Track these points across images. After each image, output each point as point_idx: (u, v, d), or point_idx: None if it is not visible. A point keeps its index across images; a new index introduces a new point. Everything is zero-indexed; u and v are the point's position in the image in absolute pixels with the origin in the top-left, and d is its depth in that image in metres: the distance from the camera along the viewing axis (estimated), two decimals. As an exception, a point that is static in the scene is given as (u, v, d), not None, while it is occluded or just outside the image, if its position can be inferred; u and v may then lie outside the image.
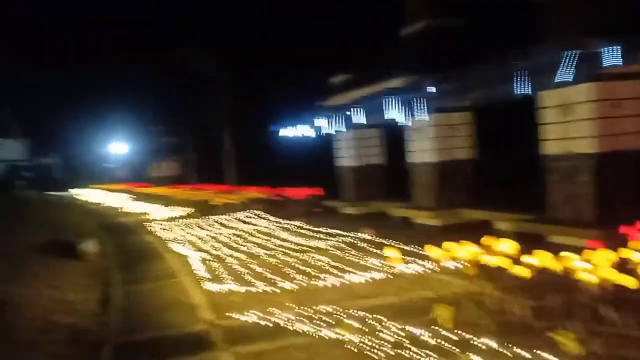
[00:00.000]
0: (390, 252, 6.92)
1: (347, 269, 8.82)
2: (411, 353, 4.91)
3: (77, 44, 34.06)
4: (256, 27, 23.45)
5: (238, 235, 14.05)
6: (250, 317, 6.38)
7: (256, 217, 18.09)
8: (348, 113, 17.81)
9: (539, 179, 11.67)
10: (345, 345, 5.34)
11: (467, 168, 14.08)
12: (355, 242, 11.60)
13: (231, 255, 10.96)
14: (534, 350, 4.65)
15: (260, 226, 15.74)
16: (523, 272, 5.62)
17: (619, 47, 8.49)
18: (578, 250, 8.24)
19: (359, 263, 9.32)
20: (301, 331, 5.86)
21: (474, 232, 12.35)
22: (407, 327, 5.45)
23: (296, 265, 9.47)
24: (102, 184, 48.34)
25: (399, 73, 13.56)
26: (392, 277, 8.09)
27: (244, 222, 17.10)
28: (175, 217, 20.09)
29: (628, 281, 4.99)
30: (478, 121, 14.00)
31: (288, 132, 21.67)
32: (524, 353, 4.66)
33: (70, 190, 46.33)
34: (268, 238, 13.18)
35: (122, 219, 22.08)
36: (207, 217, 18.49)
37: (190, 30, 23.36)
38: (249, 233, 14.44)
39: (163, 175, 41.84)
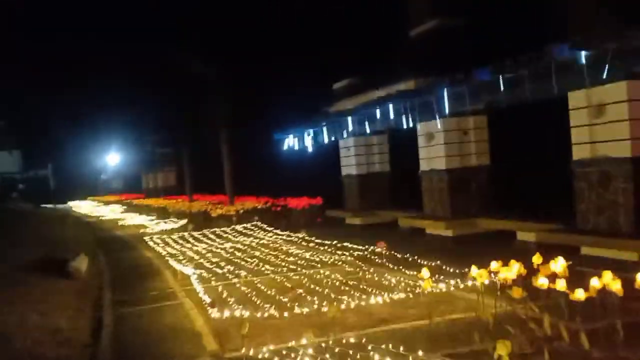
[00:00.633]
0: (424, 272, 6.11)
1: (364, 287, 8.02)
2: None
3: (71, 54, 33.30)
4: (256, 30, 22.70)
5: (239, 250, 13.25)
6: (263, 350, 5.55)
7: (256, 228, 17.32)
8: (352, 119, 17.14)
9: (562, 186, 10.99)
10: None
11: (481, 175, 13.33)
12: (366, 255, 10.80)
13: (234, 272, 10.15)
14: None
15: (262, 239, 14.95)
16: (579, 294, 4.84)
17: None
18: (618, 264, 7.46)
19: (376, 280, 8.53)
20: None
21: (493, 243, 11.68)
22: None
23: (306, 284, 8.67)
24: (97, 196, 47.57)
25: (409, 75, 12.82)
26: (417, 296, 7.30)
27: (244, 234, 16.31)
28: (172, 230, 19.33)
29: None
30: (493, 125, 13.27)
31: (289, 139, 20.99)
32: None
33: (65, 202, 45.59)
34: (271, 252, 12.38)
35: (117, 232, 21.32)
36: (205, 229, 17.69)
37: (187, 34, 22.58)
38: (250, 246, 13.65)
39: (158, 186, 41.10)
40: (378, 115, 15.47)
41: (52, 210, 36.31)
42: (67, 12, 34.84)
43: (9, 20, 32.14)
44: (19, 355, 6.35)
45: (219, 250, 13.34)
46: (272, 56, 23.80)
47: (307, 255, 11.52)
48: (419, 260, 9.51)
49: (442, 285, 7.55)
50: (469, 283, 7.39)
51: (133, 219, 26.19)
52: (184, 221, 21.00)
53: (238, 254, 12.57)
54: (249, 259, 11.63)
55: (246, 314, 6.94)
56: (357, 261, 10.25)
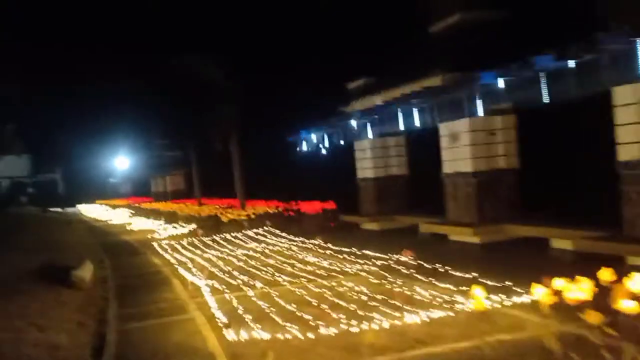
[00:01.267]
0: (478, 291, 5.33)
1: (393, 302, 7.24)
2: None
3: (78, 58, 32.86)
4: (268, 30, 22.10)
5: (251, 257, 12.52)
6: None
7: (268, 234, 16.59)
8: (369, 119, 16.43)
9: (599, 189, 10.20)
10: None
11: (510, 178, 12.52)
12: (390, 264, 10.01)
13: (248, 283, 9.42)
14: None
15: (275, 245, 14.21)
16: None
17: None
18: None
19: (406, 294, 7.74)
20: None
21: (526, 251, 10.89)
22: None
23: (329, 298, 7.91)
24: (105, 200, 47.18)
25: (435, 71, 12.03)
26: (457, 314, 6.53)
27: (256, 240, 15.58)
28: (181, 235, 18.66)
29: None
30: (523, 125, 12.45)
31: (301, 142, 20.31)
32: None
33: (74, 206, 45.27)
34: (286, 260, 11.64)
35: (125, 237, 20.73)
36: (215, 234, 16.99)
37: (197, 36, 22.03)
38: (263, 254, 12.92)
39: (167, 190, 40.59)
40: (396, 115, 14.74)
41: (59, 215, 35.90)
42: (78, 19, 34.47)
43: (21, 25, 31.87)
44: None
45: (230, 258, 12.63)
46: (285, 56, 23.16)
47: (326, 264, 10.76)
48: (449, 271, 8.74)
49: (487, 303, 6.76)
50: (519, 300, 6.62)
51: (141, 223, 25.61)
52: (193, 226, 20.33)
53: (251, 262, 11.85)
54: (262, 268, 10.90)
55: (265, 335, 6.19)
56: (382, 271, 9.47)
